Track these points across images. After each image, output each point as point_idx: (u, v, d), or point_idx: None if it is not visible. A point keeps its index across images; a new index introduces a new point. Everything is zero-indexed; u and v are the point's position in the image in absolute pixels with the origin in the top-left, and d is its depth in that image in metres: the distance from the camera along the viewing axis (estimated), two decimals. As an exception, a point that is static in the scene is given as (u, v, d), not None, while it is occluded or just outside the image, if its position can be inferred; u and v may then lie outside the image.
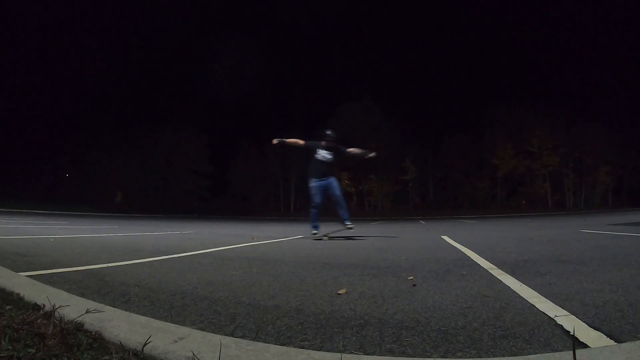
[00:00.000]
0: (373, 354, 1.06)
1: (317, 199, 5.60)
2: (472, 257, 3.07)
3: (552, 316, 1.35)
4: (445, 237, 5.49)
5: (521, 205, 43.23)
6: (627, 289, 1.73)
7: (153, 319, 1.31)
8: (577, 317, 1.34)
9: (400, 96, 55.68)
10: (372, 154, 6.11)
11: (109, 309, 1.38)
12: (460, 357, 1.03)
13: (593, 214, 21.21)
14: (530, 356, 0.99)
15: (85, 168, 45.48)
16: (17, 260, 2.78)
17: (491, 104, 46.11)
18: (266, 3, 76.76)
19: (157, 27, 64.05)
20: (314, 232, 5.62)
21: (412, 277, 2.19)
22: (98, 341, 1.04)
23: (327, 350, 1.07)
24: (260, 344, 1.07)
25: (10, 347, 0.91)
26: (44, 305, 1.32)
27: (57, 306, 1.29)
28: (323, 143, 5.62)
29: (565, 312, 1.40)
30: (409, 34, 71.55)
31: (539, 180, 44.03)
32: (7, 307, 1.25)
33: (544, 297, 1.63)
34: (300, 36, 73.99)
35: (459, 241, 4.70)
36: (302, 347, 1.10)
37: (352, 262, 2.93)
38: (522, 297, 1.66)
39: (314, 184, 5.62)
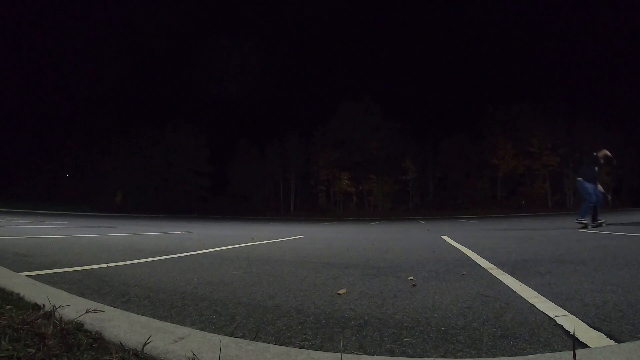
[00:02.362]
0: (373, 354, 1.06)
1: (594, 197, 6.82)
2: (472, 257, 3.07)
3: (552, 316, 1.35)
4: (445, 237, 5.49)
5: (521, 205, 43.16)
6: (627, 289, 1.73)
7: (153, 319, 1.31)
8: (577, 317, 1.34)
9: (400, 96, 55.58)
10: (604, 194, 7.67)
11: (109, 309, 1.38)
12: (460, 357, 1.03)
13: (593, 214, 21.12)
14: (530, 356, 0.99)
15: (85, 168, 45.48)
16: (17, 260, 2.79)
17: (491, 104, 46.06)
18: (266, 3, 76.75)
19: (157, 27, 64.08)
20: (585, 222, 6.62)
21: (412, 277, 2.19)
22: (98, 341, 1.04)
23: (327, 350, 1.07)
24: (260, 344, 1.07)
25: (10, 347, 0.91)
26: (44, 305, 1.32)
27: (57, 306, 1.29)
28: (601, 162, 7.15)
29: (565, 312, 1.40)
30: (409, 33, 71.50)
31: (539, 180, 44.02)
32: (7, 307, 1.25)
33: (544, 297, 1.63)
34: (300, 36, 73.83)
35: (459, 241, 4.70)
36: (302, 347, 1.10)
37: (352, 262, 2.93)
38: (522, 297, 1.66)
39: (591, 185, 6.95)
